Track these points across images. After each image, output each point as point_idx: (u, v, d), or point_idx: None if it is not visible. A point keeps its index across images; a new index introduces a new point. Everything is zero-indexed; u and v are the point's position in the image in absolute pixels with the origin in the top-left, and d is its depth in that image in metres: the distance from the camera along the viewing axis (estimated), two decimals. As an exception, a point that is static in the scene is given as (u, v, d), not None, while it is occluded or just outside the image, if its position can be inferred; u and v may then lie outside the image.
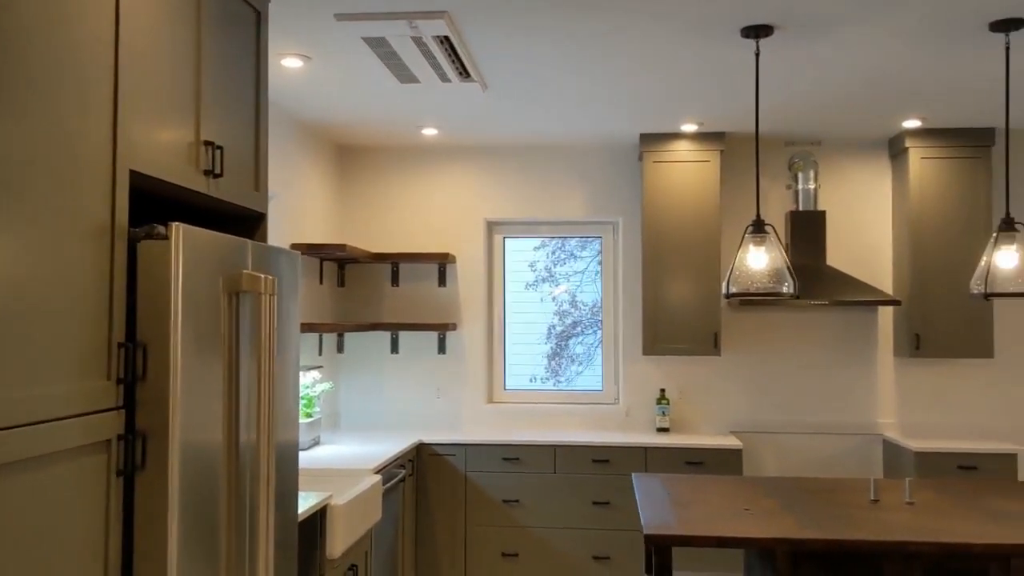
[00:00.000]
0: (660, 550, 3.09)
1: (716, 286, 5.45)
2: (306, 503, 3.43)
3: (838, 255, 5.73)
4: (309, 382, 5.04)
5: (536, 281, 6.02)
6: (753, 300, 5.21)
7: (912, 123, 5.22)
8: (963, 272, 5.32)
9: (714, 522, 3.14)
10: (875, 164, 5.73)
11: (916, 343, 5.33)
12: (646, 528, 3.03)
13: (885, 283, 5.70)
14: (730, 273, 3.59)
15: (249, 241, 2.54)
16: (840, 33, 3.64)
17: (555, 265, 6.03)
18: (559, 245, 6.01)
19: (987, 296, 3.51)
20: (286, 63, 4.04)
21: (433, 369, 5.92)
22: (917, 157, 5.37)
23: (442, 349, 5.92)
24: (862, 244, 5.72)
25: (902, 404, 5.66)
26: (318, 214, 5.52)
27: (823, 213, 5.55)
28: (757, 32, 3.57)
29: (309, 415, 4.95)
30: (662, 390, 5.71)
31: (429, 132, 5.46)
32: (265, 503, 2.46)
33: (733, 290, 3.57)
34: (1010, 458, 5.06)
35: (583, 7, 3.36)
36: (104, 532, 2.01)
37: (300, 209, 5.21)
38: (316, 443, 5.04)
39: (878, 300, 5.19)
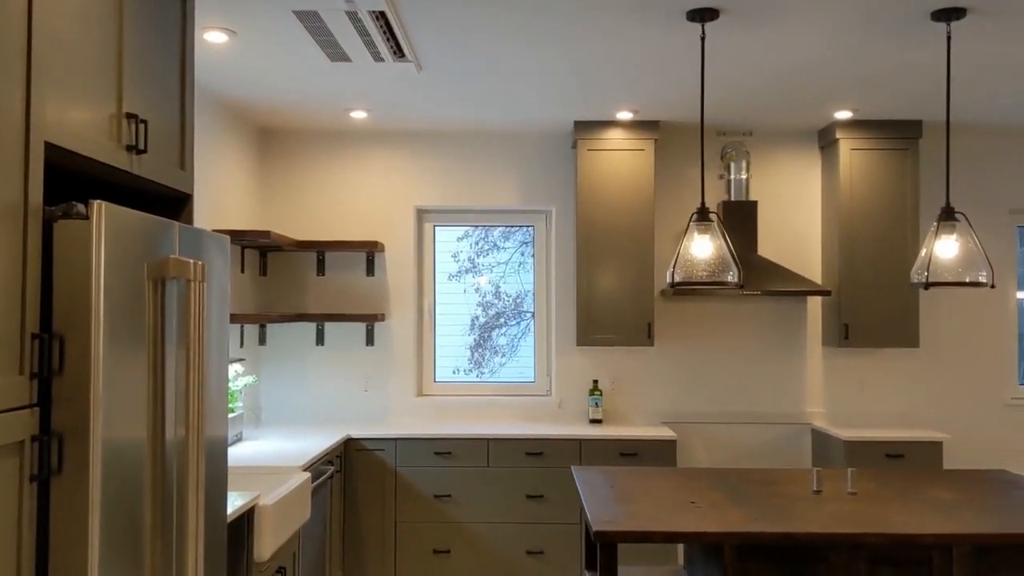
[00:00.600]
0: (606, 547, 2.99)
1: (650, 276, 5.40)
2: (233, 504, 3.23)
3: (769, 245, 5.74)
4: (231, 375, 4.80)
5: (460, 272, 5.88)
6: (693, 290, 5.19)
7: (844, 114, 5.25)
8: (891, 263, 5.39)
9: (662, 517, 3.07)
10: (806, 155, 5.76)
11: (845, 333, 5.38)
12: (594, 524, 2.93)
13: (815, 273, 5.74)
14: (674, 262, 3.52)
15: (177, 223, 2.34)
16: (784, 19, 3.60)
17: (479, 256, 5.91)
18: (483, 235, 5.88)
19: (927, 286, 3.52)
20: (209, 37, 3.80)
21: (361, 361, 5.73)
22: (847, 148, 5.41)
23: (370, 341, 5.73)
24: (792, 234, 5.75)
25: (830, 393, 5.71)
26: (239, 199, 5.27)
27: (754, 203, 5.55)
28: (703, 15, 3.50)
29: (231, 410, 4.72)
30: (595, 381, 5.64)
31: (358, 115, 5.26)
32: (194, 505, 2.27)
33: (678, 279, 3.49)
34: (935, 446, 5.14)
35: (527, -16, 3.23)
36: (15, 544, 1.80)
37: (220, 193, 4.95)
38: (239, 439, 4.81)
39: (808, 290, 5.21)
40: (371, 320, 5.46)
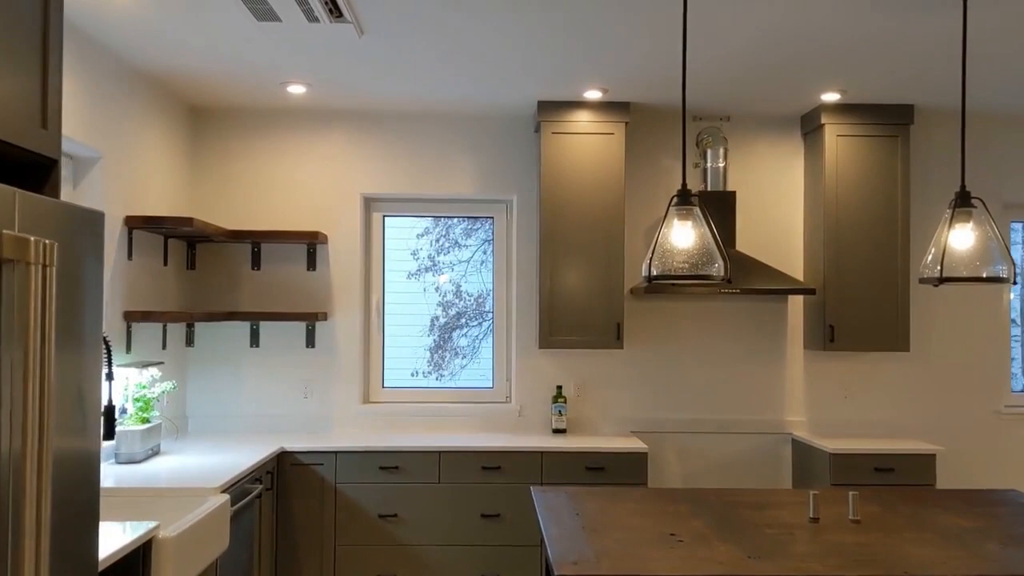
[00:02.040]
0: (572, 590, 2.49)
1: (619, 272, 4.91)
2: (124, 537, 2.68)
3: (748, 239, 5.29)
4: (146, 381, 4.23)
5: (419, 270, 5.39)
6: (666, 288, 4.71)
7: (830, 96, 4.81)
8: (880, 259, 4.96)
9: (639, 554, 2.57)
10: (788, 142, 5.32)
11: (830, 335, 4.94)
12: (557, 567, 2.42)
13: (797, 270, 5.29)
14: (651, 252, 3.03)
15: (17, 191, 1.80)
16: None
17: (439, 254, 5.42)
18: (443, 232, 5.39)
19: (940, 281, 3.06)
20: (110, -14, 3.24)
21: (300, 365, 5.18)
22: (833, 134, 4.97)
23: (311, 342, 5.18)
24: (773, 228, 5.30)
25: (813, 401, 5.27)
26: (162, 183, 4.70)
27: (733, 194, 5.09)
28: (686, -33, 3.01)
29: (146, 420, 4.15)
30: (559, 387, 5.15)
31: (296, 90, 4.71)
32: (32, 537, 1.73)
33: (656, 272, 3.00)
34: (928, 459, 4.72)
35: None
36: None
37: (137, 175, 4.38)
38: (155, 453, 4.24)
39: (791, 289, 4.76)
40: (312, 319, 4.91)
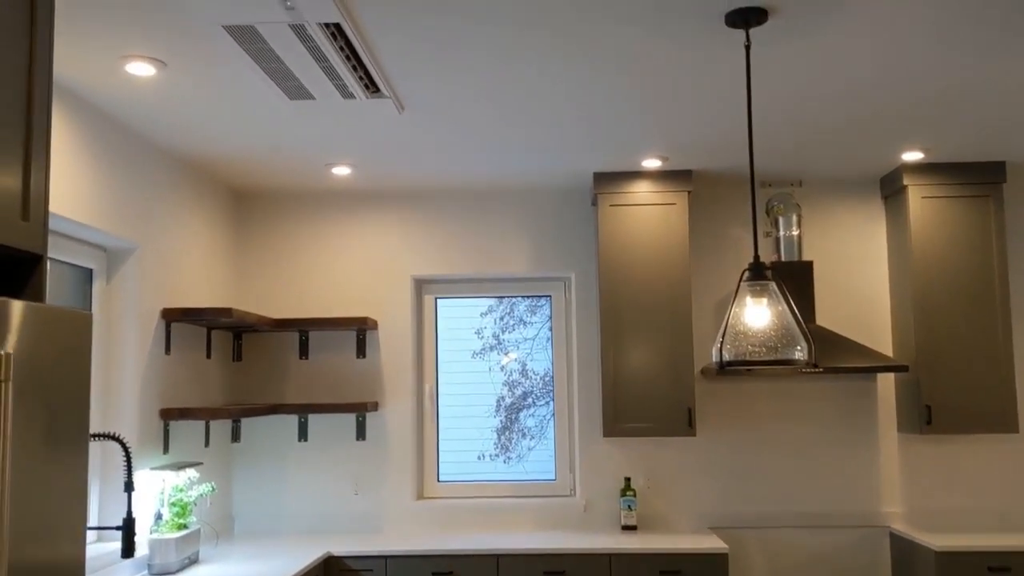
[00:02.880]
0: None
1: (688, 352, 4.53)
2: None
3: (829, 313, 4.86)
4: (183, 483, 3.97)
5: (483, 349, 5.12)
6: (749, 371, 4.32)
7: (913, 155, 4.42)
8: (977, 330, 4.48)
9: None
10: (867, 206, 4.92)
11: (927, 416, 4.45)
12: None
13: (885, 346, 4.83)
14: (722, 335, 2.67)
15: (-28, 293, 1.55)
16: (849, 21, 2.80)
17: (503, 332, 5.15)
18: (507, 310, 5.12)
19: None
20: (133, 69, 3.08)
21: (350, 459, 4.88)
22: (917, 196, 4.56)
23: (361, 434, 4.89)
24: (857, 300, 4.87)
25: (911, 490, 4.75)
26: (204, 271, 4.51)
27: (809, 264, 4.70)
28: (747, 18, 2.72)
29: (183, 526, 3.87)
30: (627, 479, 4.73)
31: (341, 171, 4.52)
32: None
33: (728, 357, 2.64)
34: (1051, 556, 4.16)
35: (517, 4, 2.48)
36: None
37: (177, 265, 4.20)
38: (192, 562, 3.95)
39: (880, 366, 4.32)
40: (362, 410, 4.63)
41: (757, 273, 2.70)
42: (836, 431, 4.79)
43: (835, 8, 2.70)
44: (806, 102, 3.58)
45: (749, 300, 2.69)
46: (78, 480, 1.87)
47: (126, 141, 3.73)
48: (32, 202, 1.90)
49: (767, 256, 4.87)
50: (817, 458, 4.78)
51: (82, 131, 3.39)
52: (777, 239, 4.80)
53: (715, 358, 2.67)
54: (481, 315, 5.16)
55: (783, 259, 4.75)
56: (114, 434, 2.86)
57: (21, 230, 1.87)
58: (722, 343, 2.64)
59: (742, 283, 2.71)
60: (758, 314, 2.66)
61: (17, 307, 1.67)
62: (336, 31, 2.80)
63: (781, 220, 4.79)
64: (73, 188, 3.32)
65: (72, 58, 2.97)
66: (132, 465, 3.18)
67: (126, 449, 2.93)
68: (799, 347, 2.60)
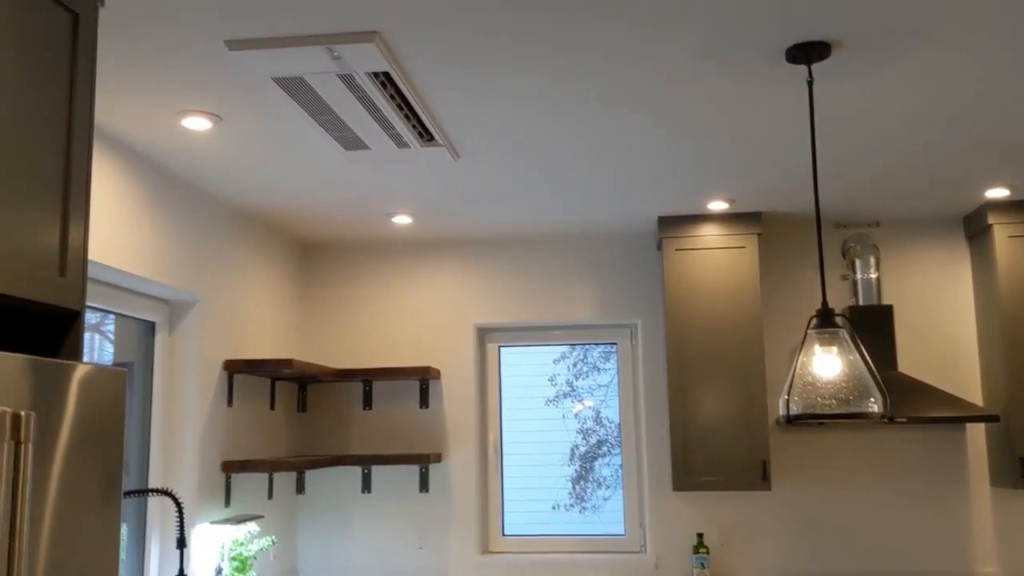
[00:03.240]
0: None
1: (762, 401, 4.34)
2: None
3: (912, 359, 4.62)
4: (244, 537, 3.93)
5: (557, 396, 5.02)
6: (820, 424, 4.11)
7: (997, 192, 4.19)
8: (1076, 377, 4.19)
9: None
10: (950, 247, 4.68)
11: (1021, 470, 4.16)
12: None
13: (974, 394, 4.55)
14: (788, 386, 2.52)
15: (6, 355, 1.53)
16: (919, 52, 2.66)
17: (577, 379, 5.05)
18: (581, 356, 5.02)
19: None
20: (189, 124, 3.11)
21: (414, 512, 4.79)
22: (1003, 235, 4.32)
23: (424, 486, 4.80)
24: (941, 345, 4.61)
25: (1008, 549, 4.43)
26: (268, 322, 4.52)
27: (889, 308, 4.48)
28: (809, 53, 2.60)
29: (242, 581, 3.83)
30: (699, 535, 4.53)
31: (401, 220, 4.50)
32: None
33: (796, 410, 2.48)
34: None
35: (571, 43, 2.41)
36: None
37: (239, 316, 4.21)
38: (252, 618, 3.90)
39: (969, 416, 4.06)
40: (424, 461, 4.55)
41: (825, 320, 2.54)
42: (923, 485, 4.52)
43: (907, 38, 2.56)
44: (879, 139, 3.42)
45: (817, 349, 2.53)
46: (109, 537, 1.83)
47: (187, 195, 3.77)
48: (70, 258, 1.89)
49: (844, 300, 4.67)
50: (902, 514, 4.51)
51: (142, 186, 3.43)
52: (854, 282, 4.59)
53: (782, 411, 2.52)
54: (554, 361, 5.08)
55: (861, 303, 4.54)
56: (166, 489, 2.84)
57: (58, 286, 1.86)
58: (789, 395, 2.49)
59: (809, 331, 2.56)
60: (827, 364, 2.50)
61: (44, 365, 1.64)
62: (386, 80, 2.77)
63: (858, 262, 4.59)
64: (135, 242, 3.36)
65: (130, 114, 3.02)
66: (185, 520, 3.15)
67: (178, 504, 2.90)
68: (872, 398, 2.43)
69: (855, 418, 2.41)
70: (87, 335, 3.65)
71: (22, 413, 1.49)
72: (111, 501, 1.83)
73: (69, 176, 1.90)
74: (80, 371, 1.75)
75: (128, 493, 2.73)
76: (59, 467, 1.66)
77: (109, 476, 1.83)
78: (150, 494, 2.73)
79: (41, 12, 1.83)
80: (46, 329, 1.93)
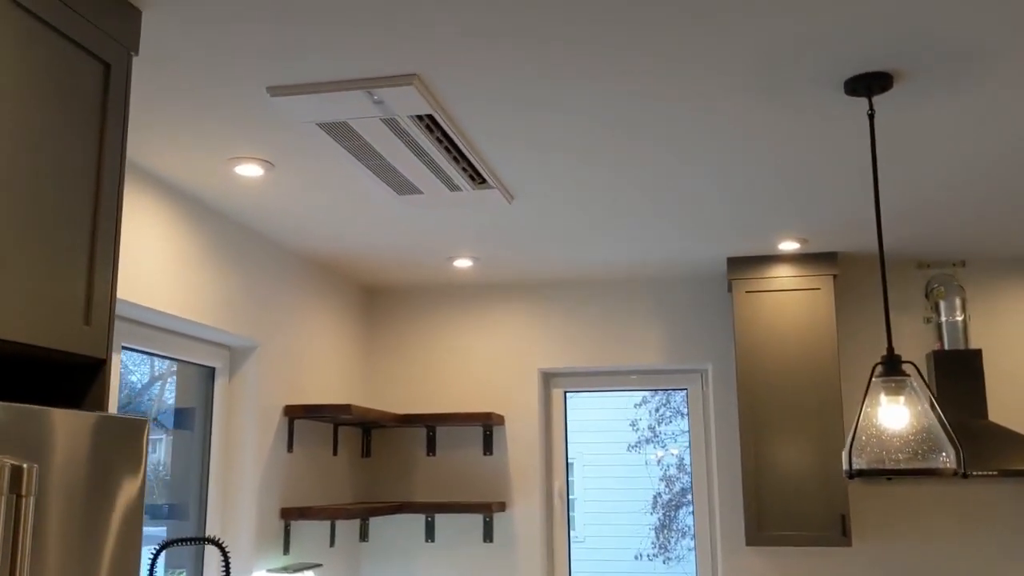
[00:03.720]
0: None
1: (839, 450, 4.11)
2: None
3: (1004, 407, 4.32)
4: (301, 586, 3.89)
5: (639, 442, 4.89)
6: (888, 480, 3.86)
7: (1093, 228, 3.92)
8: None
9: None
10: (1043, 286, 4.39)
11: None
12: None
13: (1075, 444, 4.23)
14: (852, 439, 2.35)
15: (15, 406, 1.51)
16: (987, 78, 2.49)
17: (659, 423, 4.92)
18: (663, 401, 4.89)
19: None
20: (242, 170, 3.13)
21: (477, 562, 4.68)
22: (1103, 274, 4.03)
23: (488, 536, 4.69)
24: (1036, 392, 4.31)
25: (1118, 615, 4.07)
26: (331, 367, 4.52)
27: (978, 352, 4.21)
28: (869, 84, 2.46)
29: (299, 631, 3.78)
30: (775, 592, 4.30)
31: (462, 264, 4.46)
32: None
33: (859, 465, 2.31)
34: None
35: (620, 81, 2.33)
36: None
37: (300, 361, 4.22)
38: (308, 669, 3.84)
39: (1069, 468, 3.76)
40: (488, 511, 4.45)
41: (891, 367, 2.37)
42: (1015, 540, 4.20)
43: (977, 63, 2.39)
44: (956, 173, 3.23)
45: (883, 399, 2.36)
46: (129, 595, 1.79)
47: (245, 240, 3.80)
48: (95, 306, 1.88)
49: (928, 345, 4.42)
50: (992, 570, 4.19)
51: (200, 233, 3.47)
52: (939, 325, 4.35)
53: (845, 465, 2.35)
54: (635, 406, 4.95)
55: (947, 347, 4.28)
56: (212, 537, 2.81)
57: (83, 335, 1.85)
58: (851, 447, 2.32)
59: (874, 379, 2.39)
60: (894, 415, 2.33)
61: (57, 416, 1.62)
62: (430, 123, 2.74)
63: (943, 304, 4.35)
64: (195, 289, 3.39)
65: (183, 161, 3.05)
66: (236, 568, 3.12)
67: (224, 552, 2.87)
68: (944, 453, 2.24)
69: (924, 475, 2.23)
70: (158, 383, 3.70)
71: (24, 465, 1.46)
72: (130, 551, 1.79)
73: (96, 224, 1.90)
74: (95, 420, 1.72)
75: (171, 542, 2.71)
76: (69, 519, 1.63)
77: (128, 527, 1.79)
78: (195, 543, 2.70)
79: (71, 62, 1.85)
80: (74, 376, 1.92)
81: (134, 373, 3.64)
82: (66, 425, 1.64)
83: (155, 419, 3.68)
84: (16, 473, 1.45)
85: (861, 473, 2.29)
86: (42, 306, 1.74)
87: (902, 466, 2.25)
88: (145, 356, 3.50)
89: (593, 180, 3.28)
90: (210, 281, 3.51)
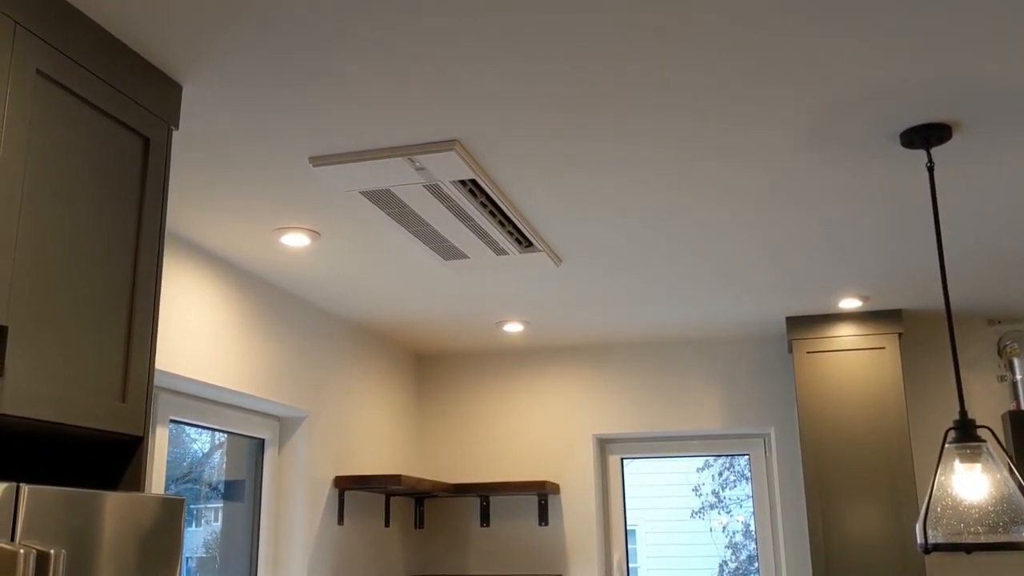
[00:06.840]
0: None
1: (912, 514, 3.90)
2: None
3: (1089, 470, 4.07)
4: (352, 664, 3.77)
5: (703, 508, 4.73)
6: (968, 553, 3.63)
7: None
8: None
9: None
10: (1125, 341, 4.16)
11: None
12: None
13: None
14: (925, 511, 2.19)
15: (28, 487, 1.47)
16: (1061, 128, 2.37)
17: (723, 488, 4.77)
18: (727, 464, 4.75)
19: None
20: (289, 240, 3.13)
21: (534, 637, 4.52)
22: None
23: (545, 609, 4.54)
24: (1124, 453, 4.05)
25: None
26: (382, 437, 4.46)
27: (1057, 412, 3.99)
28: (927, 137, 2.36)
29: None
30: (849, 671, 4.05)
31: (513, 328, 4.39)
32: None
33: (936, 539, 2.15)
34: None
35: (666, 140, 2.28)
36: None
37: (351, 432, 4.16)
38: None
39: None
40: (544, 583, 4.30)
41: (965, 432, 2.22)
42: (1116, 618, 3.91)
43: (1035, 115, 2.29)
44: (1019, 222, 3.08)
45: (958, 466, 2.21)
46: None
47: (293, 309, 3.79)
48: (132, 382, 1.85)
49: (1003, 405, 4.20)
50: (1094, 651, 3.90)
51: (247, 303, 3.46)
52: (1014, 384, 4.14)
53: (919, 539, 2.19)
54: (698, 470, 4.79)
55: (1022, 407, 4.07)
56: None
57: (119, 413, 1.81)
58: (925, 520, 2.16)
59: (947, 445, 2.24)
60: (971, 484, 2.17)
61: (91, 498, 1.58)
62: (473, 187, 2.70)
63: (1016, 361, 4.14)
64: (241, 360, 3.37)
65: (229, 233, 3.06)
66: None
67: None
68: (1027, 525, 2.08)
69: (1006, 548, 2.07)
70: (219, 450, 3.67)
71: (51, 552, 1.42)
72: (163, 640, 1.73)
73: (134, 299, 1.89)
74: (130, 501, 1.68)
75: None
76: (100, 606, 1.57)
77: (159, 613, 1.73)
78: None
79: (111, 137, 1.85)
80: (112, 453, 1.89)
81: (196, 442, 3.63)
82: (99, 506, 1.59)
83: (215, 487, 3.65)
84: (42, 560, 1.41)
85: (937, 547, 2.13)
86: (76, 384, 1.71)
87: (982, 540, 2.09)
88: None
89: (643, 240, 3.20)
90: (259, 351, 3.49)
